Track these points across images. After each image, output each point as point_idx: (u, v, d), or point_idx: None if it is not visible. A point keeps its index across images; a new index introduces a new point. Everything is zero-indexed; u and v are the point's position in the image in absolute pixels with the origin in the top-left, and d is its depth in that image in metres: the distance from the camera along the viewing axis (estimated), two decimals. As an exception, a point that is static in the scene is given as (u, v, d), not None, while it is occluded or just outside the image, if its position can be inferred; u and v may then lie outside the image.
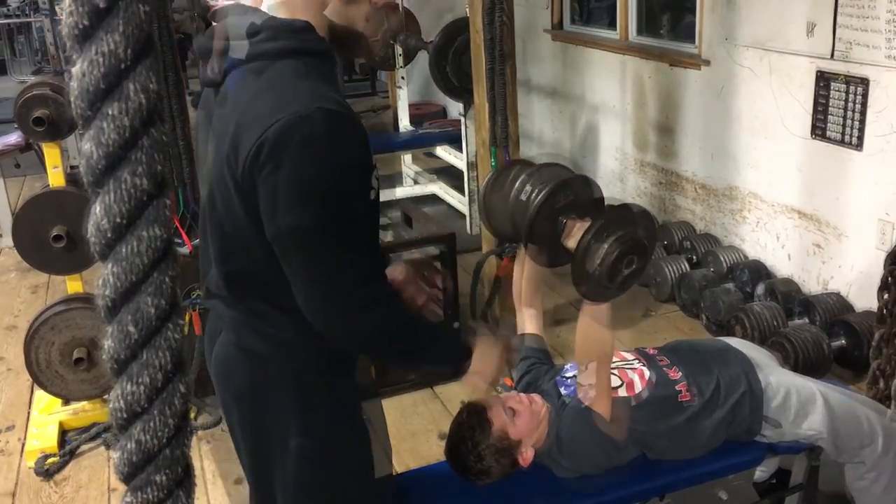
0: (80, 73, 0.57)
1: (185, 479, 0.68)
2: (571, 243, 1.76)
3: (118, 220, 0.59)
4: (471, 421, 1.95)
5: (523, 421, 1.96)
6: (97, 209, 0.59)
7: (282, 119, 1.30)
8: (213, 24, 1.49)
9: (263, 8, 1.46)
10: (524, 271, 2.26)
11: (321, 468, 1.60)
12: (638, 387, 2.05)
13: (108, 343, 0.63)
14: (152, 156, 0.58)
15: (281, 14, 1.43)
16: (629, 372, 2.09)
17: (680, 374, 2.08)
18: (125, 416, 0.64)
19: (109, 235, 0.60)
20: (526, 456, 1.98)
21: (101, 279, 0.62)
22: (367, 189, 1.43)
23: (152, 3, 0.55)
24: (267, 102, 1.34)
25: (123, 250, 0.60)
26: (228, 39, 1.43)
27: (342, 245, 1.39)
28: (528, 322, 2.29)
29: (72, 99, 0.58)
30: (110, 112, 0.57)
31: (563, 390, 2.08)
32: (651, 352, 2.20)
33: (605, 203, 1.87)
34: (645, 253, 1.74)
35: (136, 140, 0.58)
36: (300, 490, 1.62)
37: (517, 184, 1.90)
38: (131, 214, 0.59)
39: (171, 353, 0.64)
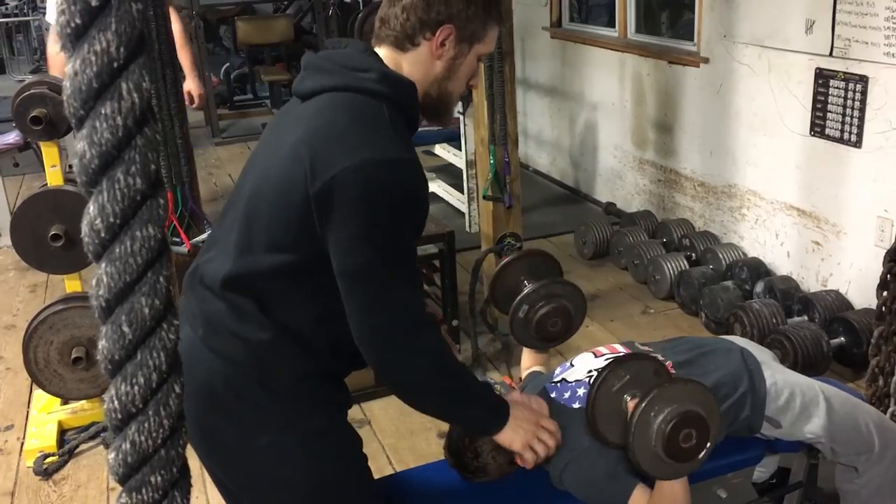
0: (73, 72, 0.56)
1: (181, 479, 0.68)
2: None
3: (112, 219, 0.59)
4: None
5: None
6: (91, 209, 0.59)
7: (373, 158, 1.40)
8: (330, 48, 1.61)
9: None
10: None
11: (300, 464, 1.61)
12: None
13: (102, 343, 0.63)
14: (146, 155, 0.58)
15: (389, 66, 1.55)
16: None
17: (674, 371, 2.07)
18: (120, 416, 0.64)
19: (103, 235, 0.59)
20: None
21: (95, 279, 0.62)
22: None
23: (145, 2, 0.55)
24: (358, 137, 1.43)
25: (118, 250, 0.60)
26: (338, 65, 1.53)
27: (408, 285, 1.50)
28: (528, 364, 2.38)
29: (65, 98, 0.58)
30: (103, 111, 0.57)
31: (553, 395, 2.06)
32: (645, 348, 2.19)
33: (665, 375, 1.86)
34: (704, 424, 1.72)
35: (129, 139, 0.57)
36: (279, 489, 1.62)
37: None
38: (125, 214, 0.59)
39: (167, 353, 0.64)
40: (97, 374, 3.28)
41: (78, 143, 0.58)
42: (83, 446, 3.30)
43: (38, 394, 3.52)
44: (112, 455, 0.66)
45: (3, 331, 4.40)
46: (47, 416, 3.43)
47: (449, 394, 1.62)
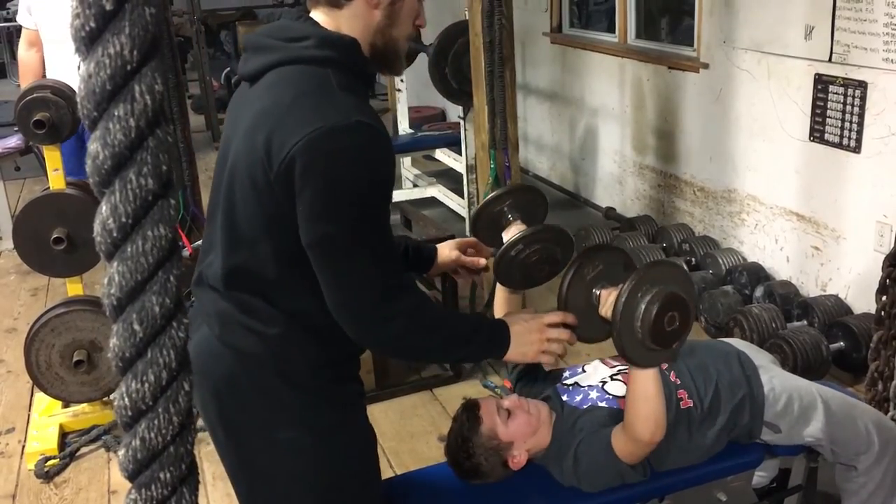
0: (87, 74, 0.57)
1: (189, 476, 0.69)
2: (607, 312, 1.75)
3: (124, 219, 0.60)
4: (462, 417, 1.96)
5: (517, 424, 1.95)
6: (103, 209, 0.60)
7: (322, 128, 1.36)
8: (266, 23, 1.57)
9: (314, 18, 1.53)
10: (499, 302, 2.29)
11: (314, 461, 1.61)
12: None
13: (113, 341, 0.64)
14: (158, 156, 0.59)
15: (327, 27, 1.50)
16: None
17: (680, 380, 2.08)
18: (130, 413, 0.65)
19: (115, 235, 0.60)
20: (517, 459, 1.96)
21: (106, 278, 0.63)
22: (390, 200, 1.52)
23: (158, 6, 0.56)
24: (307, 109, 1.39)
25: (129, 249, 0.61)
26: (276, 39, 1.49)
27: (372, 255, 1.45)
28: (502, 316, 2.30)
29: (78, 100, 0.59)
30: (116, 113, 0.58)
31: (564, 398, 2.07)
32: None
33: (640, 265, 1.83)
34: (686, 308, 1.69)
35: (141, 141, 0.59)
36: (292, 482, 1.62)
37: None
38: (137, 214, 0.60)
39: (176, 351, 0.65)
40: (98, 377, 3.30)
41: (91, 145, 0.59)
42: (84, 449, 3.31)
43: (40, 397, 3.53)
44: (122, 451, 0.67)
45: (4, 334, 4.41)
46: (48, 419, 3.43)
47: (438, 345, 1.61)
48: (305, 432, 1.58)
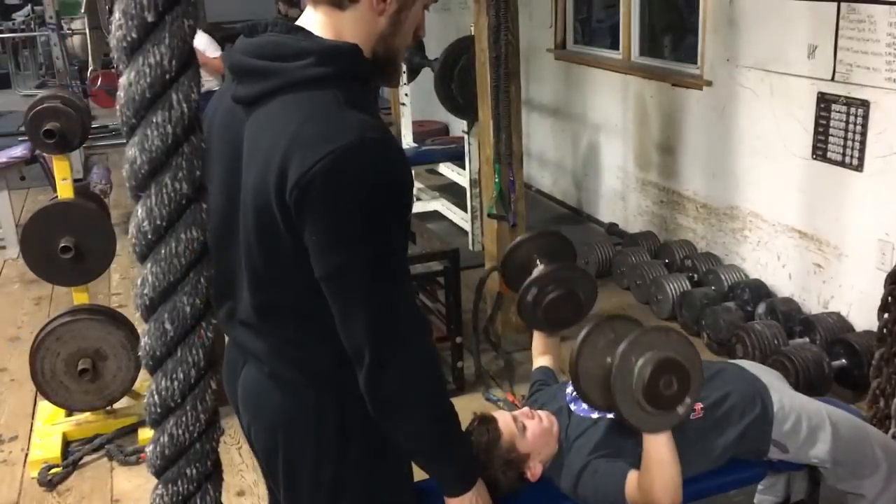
0: (128, 82, 0.60)
1: (213, 473, 0.71)
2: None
3: (159, 222, 0.62)
4: (480, 431, 1.95)
5: (533, 435, 1.96)
6: (139, 212, 0.63)
7: (332, 152, 1.27)
8: (247, 38, 1.44)
9: (306, 25, 1.42)
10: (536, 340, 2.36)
11: (353, 499, 1.56)
12: None
13: (145, 340, 0.66)
14: (192, 162, 0.62)
15: (327, 34, 1.40)
16: None
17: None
18: (159, 410, 0.67)
19: (150, 237, 0.63)
20: (534, 471, 1.97)
21: (139, 279, 0.65)
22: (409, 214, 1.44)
23: (196, 18, 0.59)
24: (314, 133, 1.30)
25: (163, 251, 0.63)
26: (269, 59, 1.37)
27: (392, 283, 1.38)
28: (539, 358, 2.34)
29: (118, 107, 0.61)
30: (155, 120, 0.60)
31: (573, 406, 2.08)
32: None
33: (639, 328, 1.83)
34: (684, 371, 1.69)
35: (177, 147, 0.61)
36: None
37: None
38: (171, 217, 0.62)
39: (205, 350, 0.67)
40: (103, 385, 3.31)
41: (129, 150, 0.62)
42: (87, 458, 3.31)
43: (43, 405, 3.54)
44: (150, 448, 0.68)
45: (7, 342, 4.42)
46: (52, 427, 3.44)
47: (436, 425, 1.49)
48: (353, 471, 1.53)
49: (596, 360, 1.80)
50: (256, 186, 1.36)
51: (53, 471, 3.20)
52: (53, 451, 3.29)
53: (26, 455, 3.34)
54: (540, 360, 2.34)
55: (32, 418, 3.62)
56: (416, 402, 1.44)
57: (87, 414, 3.44)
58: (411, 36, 1.48)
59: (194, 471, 0.68)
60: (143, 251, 0.63)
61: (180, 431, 0.67)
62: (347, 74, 1.37)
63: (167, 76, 0.59)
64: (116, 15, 0.59)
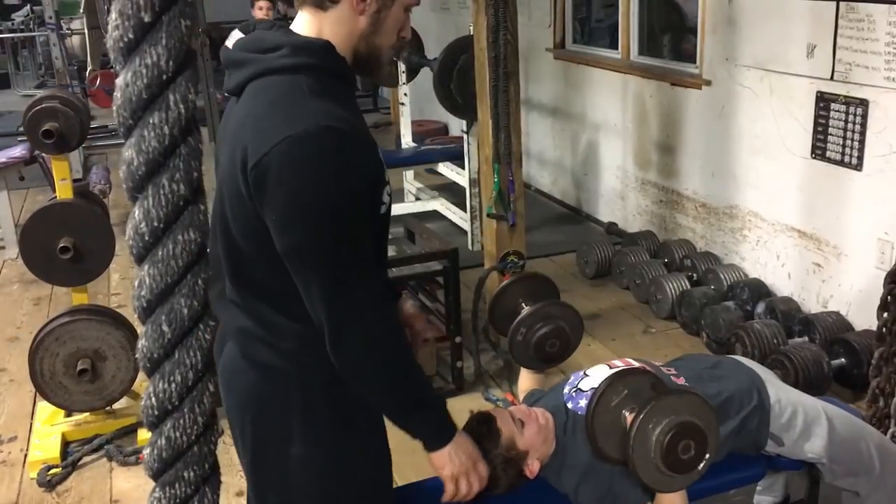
0: (124, 83, 0.59)
1: (211, 475, 0.70)
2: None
3: (156, 223, 0.62)
4: (480, 429, 1.95)
5: (531, 432, 1.97)
6: (136, 213, 0.62)
7: (289, 137, 1.34)
8: (241, 35, 1.55)
9: (294, 28, 1.52)
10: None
11: (320, 478, 1.61)
12: None
13: (142, 342, 0.65)
14: (189, 163, 0.61)
15: (310, 33, 1.49)
16: None
17: (686, 383, 2.09)
18: (157, 413, 0.66)
19: (147, 238, 0.62)
20: (533, 468, 1.98)
21: (137, 280, 0.65)
22: (377, 204, 1.50)
23: (194, 18, 0.58)
24: (276, 117, 1.38)
25: (160, 253, 0.63)
26: (251, 52, 1.49)
27: (345, 264, 1.42)
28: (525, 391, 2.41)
29: (114, 108, 0.61)
30: (151, 121, 0.60)
31: (569, 405, 2.08)
32: (656, 364, 2.21)
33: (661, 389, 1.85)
34: (701, 434, 1.72)
35: (174, 148, 0.61)
36: (297, 499, 1.63)
37: None
38: (168, 218, 0.62)
39: (202, 352, 0.66)
40: (102, 386, 3.31)
41: (126, 151, 0.61)
42: (86, 458, 3.30)
43: (42, 405, 3.53)
44: (147, 450, 0.68)
45: (6, 343, 4.41)
46: (51, 427, 3.44)
47: (386, 385, 1.54)
48: (317, 449, 1.58)
49: (610, 415, 1.82)
50: (227, 166, 1.46)
51: (53, 471, 3.19)
52: (53, 451, 3.28)
53: (25, 456, 3.33)
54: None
55: (32, 419, 3.61)
56: (375, 368, 1.51)
57: (87, 414, 3.44)
58: (395, 36, 1.55)
59: (192, 474, 0.67)
60: (141, 253, 0.63)
61: (178, 434, 0.66)
62: (318, 66, 1.45)
63: (164, 77, 0.59)
64: (113, 15, 0.58)
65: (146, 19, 0.58)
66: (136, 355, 0.67)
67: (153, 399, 0.66)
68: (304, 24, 1.50)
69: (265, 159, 1.35)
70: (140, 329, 0.68)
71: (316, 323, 1.46)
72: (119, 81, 0.61)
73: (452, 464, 1.64)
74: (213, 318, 0.67)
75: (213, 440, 0.69)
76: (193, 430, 0.67)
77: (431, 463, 1.65)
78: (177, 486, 0.68)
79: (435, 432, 1.63)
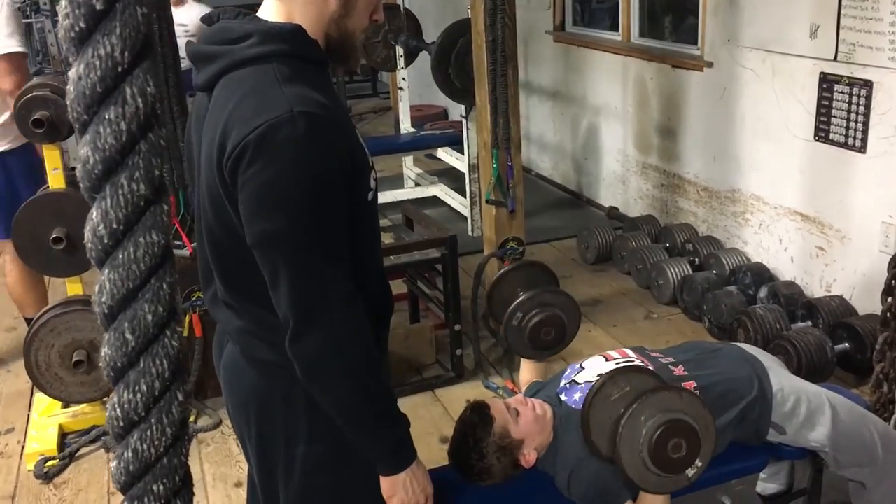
0: (77, 76, 0.56)
1: (183, 488, 0.67)
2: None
3: (115, 225, 0.58)
4: (473, 418, 1.95)
5: (526, 421, 1.96)
6: (94, 215, 0.58)
7: (263, 124, 1.30)
8: (205, 27, 1.50)
9: (261, 14, 1.47)
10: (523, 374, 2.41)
11: (327, 476, 1.59)
12: None
13: (105, 350, 0.62)
14: (150, 160, 0.57)
15: (280, 18, 1.44)
16: None
17: (685, 372, 2.07)
18: (122, 424, 0.63)
19: (107, 241, 0.59)
20: (528, 458, 1.97)
21: (97, 285, 0.61)
22: (360, 191, 1.45)
23: (150, 5, 0.54)
24: (249, 107, 1.34)
25: (121, 256, 0.59)
26: (219, 44, 1.43)
27: (319, 253, 1.37)
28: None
29: (68, 102, 0.57)
30: (107, 116, 0.56)
31: (563, 397, 2.07)
32: (654, 353, 2.19)
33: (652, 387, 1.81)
34: (694, 435, 1.68)
35: (133, 145, 0.57)
36: (305, 497, 1.61)
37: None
38: (129, 220, 0.58)
39: (170, 360, 0.63)
40: (98, 377, 3.28)
41: (81, 149, 0.57)
42: (84, 450, 3.29)
43: (39, 397, 3.51)
44: (114, 463, 0.65)
45: (3, 334, 4.40)
46: (48, 419, 3.42)
47: (347, 392, 1.45)
48: (322, 446, 1.55)
49: (608, 411, 1.79)
50: (205, 164, 1.42)
51: (50, 463, 3.18)
52: (50, 443, 3.26)
53: (23, 447, 3.32)
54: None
55: (29, 410, 3.59)
56: (335, 375, 1.43)
57: (84, 406, 3.41)
58: (367, 19, 1.51)
59: (161, 487, 0.64)
60: (101, 257, 0.59)
61: (145, 447, 0.63)
62: (289, 52, 1.40)
63: (119, 69, 0.55)
64: (63, 2, 0.54)
65: (98, 7, 0.54)
66: (100, 364, 0.63)
67: (118, 410, 0.62)
68: (273, 8, 1.46)
69: (238, 149, 1.32)
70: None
71: (281, 318, 1.39)
72: (71, 74, 0.57)
73: (406, 493, 1.55)
74: (180, 324, 0.63)
75: (183, 452, 0.65)
76: (162, 441, 0.63)
77: (381, 486, 1.55)
78: (146, 500, 0.64)
79: (390, 454, 1.54)
